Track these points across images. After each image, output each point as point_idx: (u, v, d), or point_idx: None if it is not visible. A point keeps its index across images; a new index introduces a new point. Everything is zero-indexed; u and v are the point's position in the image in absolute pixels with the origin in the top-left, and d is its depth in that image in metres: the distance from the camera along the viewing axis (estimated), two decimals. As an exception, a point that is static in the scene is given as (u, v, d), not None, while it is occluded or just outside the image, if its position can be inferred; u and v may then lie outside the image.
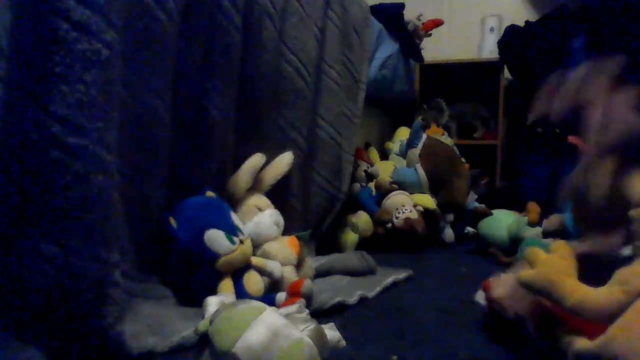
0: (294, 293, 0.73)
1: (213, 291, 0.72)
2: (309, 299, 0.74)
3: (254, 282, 0.76)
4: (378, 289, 0.90)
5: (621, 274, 0.51)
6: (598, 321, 0.49)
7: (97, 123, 0.52)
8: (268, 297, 0.75)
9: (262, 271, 0.78)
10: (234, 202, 0.86)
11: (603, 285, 0.52)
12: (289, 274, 0.82)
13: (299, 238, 0.88)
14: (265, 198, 0.91)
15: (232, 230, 0.74)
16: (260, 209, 0.88)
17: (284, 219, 0.91)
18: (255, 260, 0.79)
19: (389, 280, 0.94)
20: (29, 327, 0.54)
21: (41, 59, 0.49)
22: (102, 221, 0.54)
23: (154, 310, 0.67)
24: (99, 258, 0.54)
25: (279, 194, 0.97)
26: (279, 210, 0.91)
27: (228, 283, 0.73)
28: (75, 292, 0.52)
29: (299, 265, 0.86)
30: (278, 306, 0.71)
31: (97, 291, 0.54)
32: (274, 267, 0.79)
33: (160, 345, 0.60)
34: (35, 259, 0.51)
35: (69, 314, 0.54)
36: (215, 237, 0.72)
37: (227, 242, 0.72)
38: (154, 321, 0.64)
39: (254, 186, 0.89)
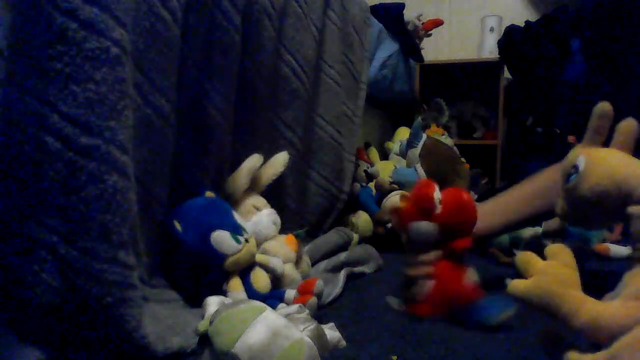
0: (306, 292, 0.73)
1: (222, 292, 0.72)
2: (319, 297, 0.75)
3: (260, 279, 0.77)
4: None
5: (636, 285, 0.45)
6: (609, 342, 0.42)
7: (109, 122, 0.52)
8: (278, 293, 0.76)
9: (265, 268, 0.79)
10: (232, 203, 0.86)
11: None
12: (289, 270, 0.83)
13: (296, 236, 0.89)
14: (262, 198, 0.92)
15: (236, 230, 0.74)
16: (257, 209, 0.88)
17: (280, 218, 0.91)
18: (258, 257, 0.79)
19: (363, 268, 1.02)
20: (46, 332, 0.53)
21: (52, 60, 0.49)
22: (119, 222, 0.53)
23: (170, 312, 0.67)
24: (118, 260, 0.53)
25: (274, 194, 0.97)
26: (274, 209, 0.92)
27: (237, 282, 0.74)
28: (95, 296, 0.52)
29: (296, 262, 0.87)
30: (289, 303, 0.72)
31: (117, 294, 0.53)
32: (276, 263, 0.80)
33: (185, 344, 0.60)
34: (54, 262, 0.51)
35: (89, 317, 0.53)
36: (221, 238, 0.72)
37: (233, 242, 0.73)
38: (173, 322, 0.63)
39: (251, 186, 0.89)
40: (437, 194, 0.75)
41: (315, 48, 1.12)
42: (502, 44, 2.01)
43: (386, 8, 1.73)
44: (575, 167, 0.55)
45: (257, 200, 0.90)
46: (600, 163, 0.53)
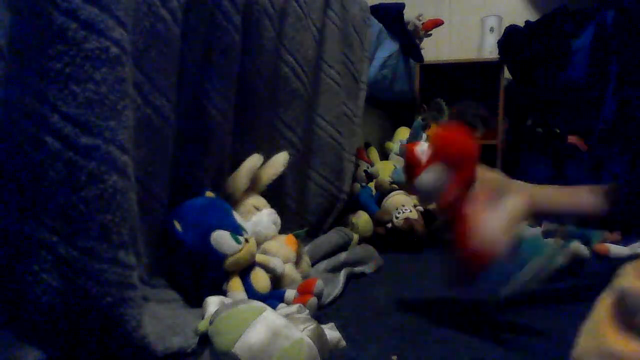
0: (305, 292, 0.73)
1: (222, 292, 0.72)
2: (319, 297, 0.75)
3: (260, 279, 0.77)
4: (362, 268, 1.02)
5: None
6: None
7: (109, 122, 0.52)
8: (278, 293, 0.76)
9: (265, 268, 0.79)
10: (232, 203, 0.86)
11: None
12: (289, 270, 0.83)
13: (296, 236, 0.89)
14: (262, 198, 0.92)
15: (236, 230, 0.75)
16: (257, 209, 0.88)
17: (280, 218, 0.91)
18: (258, 257, 0.79)
19: (362, 268, 1.02)
20: (46, 332, 0.53)
21: (52, 60, 0.49)
22: (119, 222, 0.53)
23: (170, 312, 0.67)
24: (118, 260, 0.53)
25: (274, 194, 0.97)
26: (274, 209, 0.92)
27: (237, 282, 0.74)
28: (95, 296, 0.52)
29: (296, 262, 0.87)
30: (289, 303, 0.72)
31: (117, 294, 0.53)
32: (276, 263, 0.80)
33: (185, 344, 0.60)
34: (54, 262, 0.51)
35: (89, 317, 0.53)
36: (221, 238, 0.72)
37: (233, 242, 0.73)
38: (173, 322, 0.63)
39: (251, 186, 0.89)
40: (420, 147, 0.71)
41: (315, 48, 1.12)
42: (502, 44, 2.01)
43: (386, 8, 1.73)
44: None
45: (257, 200, 0.90)
46: None
